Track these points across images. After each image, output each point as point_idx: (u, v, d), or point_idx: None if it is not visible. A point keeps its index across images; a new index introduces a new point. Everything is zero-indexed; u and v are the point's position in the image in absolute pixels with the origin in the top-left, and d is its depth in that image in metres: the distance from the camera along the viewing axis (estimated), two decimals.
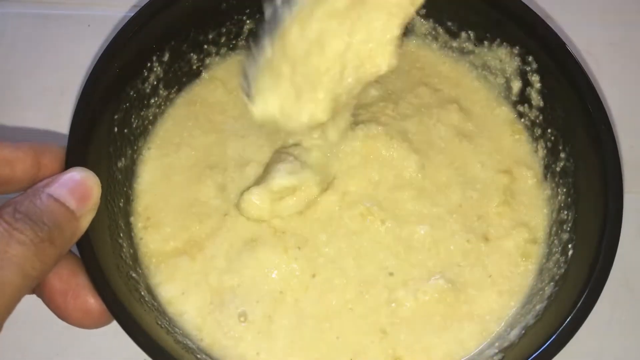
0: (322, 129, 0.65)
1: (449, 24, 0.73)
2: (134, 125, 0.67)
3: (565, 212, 0.64)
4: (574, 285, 0.57)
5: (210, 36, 0.72)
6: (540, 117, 0.69)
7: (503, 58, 0.70)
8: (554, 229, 0.65)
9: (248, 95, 0.61)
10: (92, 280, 0.53)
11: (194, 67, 0.72)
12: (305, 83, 0.58)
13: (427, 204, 0.66)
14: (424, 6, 0.72)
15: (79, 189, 0.51)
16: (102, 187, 0.57)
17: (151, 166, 0.68)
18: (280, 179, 0.64)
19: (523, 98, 0.70)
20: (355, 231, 0.65)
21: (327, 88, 0.58)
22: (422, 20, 0.74)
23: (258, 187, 0.64)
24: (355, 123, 0.68)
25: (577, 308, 0.55)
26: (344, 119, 0.66)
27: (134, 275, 0.61)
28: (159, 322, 0.58)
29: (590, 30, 0.84)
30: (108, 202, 0.61)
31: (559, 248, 0.63)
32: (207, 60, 0.73)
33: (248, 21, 0.73)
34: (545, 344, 0.54)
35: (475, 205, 0.67)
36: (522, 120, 0.71)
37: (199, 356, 0.58)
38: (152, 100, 0.69)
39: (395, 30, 0.56)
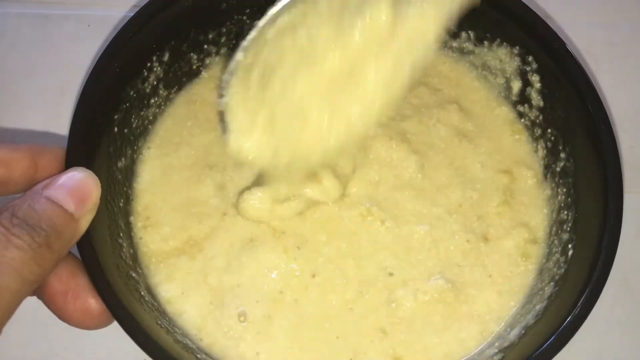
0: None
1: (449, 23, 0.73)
2: (134, 125, 0.67)
3: (565, 212, 0.64)
4: (574, 285, 0.57)
5: (210, 36, 0.72)
6: (540, 117, 0.69)
7: (503, 58, 0.70)
8: (554, 229, 0.65)
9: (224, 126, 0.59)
10: (92, 281, 0.53)
11: (194, 67, 0.72)
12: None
13: (427, 204, 0.66)
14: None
15: (78, 190, 0.51)
16: (102, 187, 0.57)
17: (151, 165, 0.68)
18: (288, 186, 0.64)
19: (523, 98, 0.70)
20: (355, 231, 0.65)
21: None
22: None
23: (260, 189, 0.64)
24: None
25: (577, 308, 0.55)
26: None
27: (134, 275, 0.61)
28: (159, 322, 0.58)
29: (590, 30, 0.84)
30: (108, 202, 0.61)
31: (559, 248, 0.63)
32: (207, 60, 0.73)
33: (248, 21, 0.73)
34: (545, 344, 0.54)
35: (475, 205, 0.67)
36: (522, 120, 0.71)
37: (198, 356, 0.58)
38: (152, 100, 0.69)
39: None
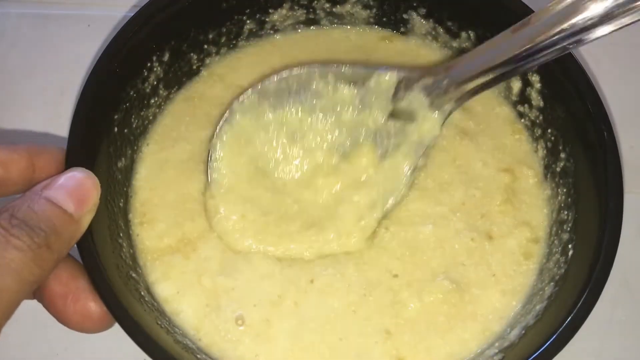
0: None
1: (449, 24, 0.73)
2: (134, 125, 0.67)
3: (565, 212, 0.64)
4: (574, 285, 0.57)
5: (210, 36, 0.72)
6: (540, 117, 0.69)
7: None
8: (554, 229, 0.65)
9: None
10: (92, 281, 0.53)
11: (194, 67, 0.72)
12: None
13: (431, 203, 0.66)
14: (424, 6, 0.72)
15: (77, 190, 0.51)
16: (102, 187, 0.57)
17: (149, 161, 0.68)
18: None
19: (523, 98, 0.70)
20: None
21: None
22: (422, 20, 0.74)
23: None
24: None
25: (577, 308, 0.55)
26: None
27: (134, 275, 0.61)
28: (159, 322, 0.58)
29: None
30: (108, 202, 0.61)
31: (559, 248, 0.63)
32: (207, 60, 0.73)
33: (248, 21, 0.73)
34: (545, 344, 0.54)
35: (478, 203, 0.67)
36: (522, 120, 0.71)
37: (198, 356, 0.58)
38: (152, 100, 0.69)
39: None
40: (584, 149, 0.63)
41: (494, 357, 0.59)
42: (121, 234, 0.62)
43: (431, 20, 0.73)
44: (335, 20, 0.76)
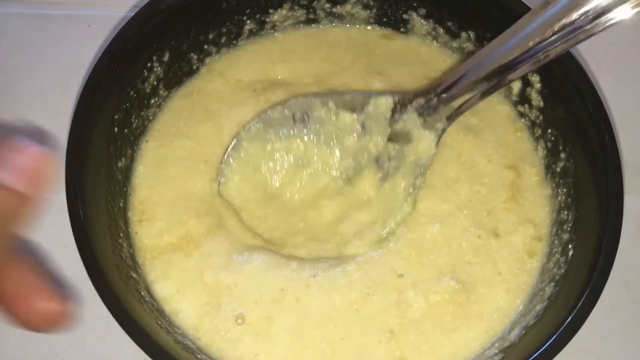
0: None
1: (449, 24, 0.73)
2: (134, 125, 0.67)
3: (566, 212, 0.64)
4: (574, 285, 0.57)
5: (210, 36, 0.72)
6: (541, 117, 0.69)
7: None
8: (555, 229, 0.65)
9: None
10: (92, 281, 0.53)
11: (194, 66, 0.72)
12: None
13: (438, 201, 0.66)
14: (424, 6, 0.73)
15: (28, 168, 0.47)
16: (102, 187, 0.57)
17: (147, 158, 0.68)
18: None
19: (523, 98, 0.70)
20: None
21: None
22: (422, 20, 0.74)
23: None
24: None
25: (577, 308, 0.55)
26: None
27: (134, 275, 0.61)
28: (159, 322, 0.58)
29: None
30: (108, 202, 0.61)
31: (559, 248, 0.63)
32: (207, 60, 0.73)
33: (248, 21, 0.73)
34: (545, 344, 0.54)
35: (483, 200, 0.66)
36: (523, 120, 0.71)
37: (198, 356, 0.58)
38: (152, 101, 0.69)
39: None
40: (584, 149, 0.63)
41: (494, 357, 0.59)
42: (121, 234, 0.62)
43: (431, 20, 0.73)
44: (335, 20, 0.76)
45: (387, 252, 0.64)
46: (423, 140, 0.65)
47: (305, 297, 0.61)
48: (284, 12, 0.74)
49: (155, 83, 0.68)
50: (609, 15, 0.48)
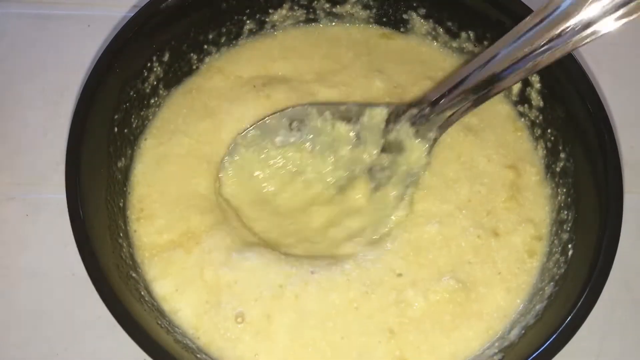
0: None
1: (449, 24, 0.73)
2: (134, 125, 0.67)
3: (565, 212, 0.64)
4: (574, 285, 0.57)
5: (210, 36, 0.72)
6: (540, 117, 0.69)
7: None
8: (555, 228, 0.65)
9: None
10: (92, 281, 0.53)
11: (194, 66, 0.72)
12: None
13: (437, 202, 0.66)
14: (423, 6, 0.73)
15: None
16: (102, 187, 0.57)
17: (146, 156, 0.68)
18: None
19: (523, 98, 0.70)
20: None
21: None
22: (422, 20, 0.74)
23: None
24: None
25: (577, 308, 0.55)
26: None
27: (134, 275, 0.60)
28: (159, 322, 0.58)
29: None
30: (108, 202, 0.61)
31: (559, 248, 0.63)
32: (207, 59, 0.73)
33: (248, 21, 0.73)
34: (545, 344, 0.54)
35: (483, 200, 0.66)
36: (523, 120, 0.71)
37: (198, 356, 0.58)
38: (152, 101, 0.69)
39: None
40: (584, 149, 0.63)
41: (494, 356, 0.59)
42: (121, 234, 0.62)
43: (431, 20, 0.73)
44: (335, 20, 0.76)
45: (384, 252, 0.64)
46: (415, 150, 0.66)
47: (304, 294, 0.61)
48: (284, 12, 0.74)
49: (155, 83, 0.68)
50: (595, 28, 0.48)
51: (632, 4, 0.45)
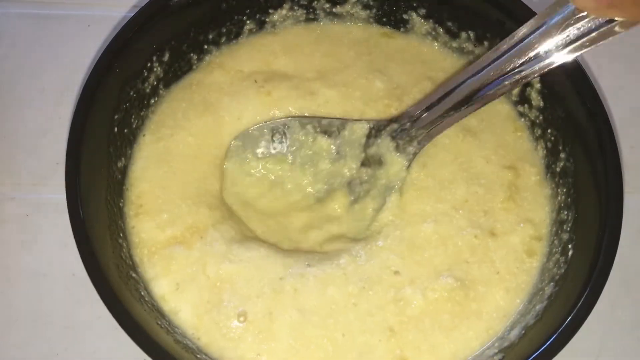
0: None
1: (449, 24, 0.73)
2: (134, 125, 0.67)
3: (565, 212, 0.64)
4: (574, 285, 0.57)
5: (210, 36, 0.72)
6: (540, 117, 0.69)
7: None
8: (554, 229, 0.65)
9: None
10: (92, 281, 0.53)
11: (194, 66, 0.72)
12: None
13: (431, 202, 0.66)
14: (423, 6, 0.73)
15: None
16: (102, 187, 0.57)
17: (145, 152, 0.67)
18: None
19: (523, 98, 0.70)
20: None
21: None
22: (422, 20, 0.74)
23: None
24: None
25: (577, 308, 0.55)
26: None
27: (134, 275, 0.60)
28: (159, 322, 0.58)
29: None
30: (108, 202, 0.61)
31: (559, 248, 0.63)
32: (207, 58, 0.73)
33: (248, 21, 0.73)
34: (545, 344, 0.54)
35: (481, 200, 0.66)
36: (523, 120, 0.71)
37: (199, 356, 0.58)
38: (152, 101, 0.69)
39: None
40: (584, 149, 0.63)
41: (494, 357, 0.59)
42: (121, 234, 0.62)
43: (431, 20, 0.73)
44: (335, 20, 0.76)
45: (378, 248, 0.64)
46: (395, 164, 0.67)
47: (304, 288, 0.61)
48: (284, 12, 0.74)
49: (155, 83, 0.68)
50: (552, 59, 0.54)
51: (578, 42, 0.51)
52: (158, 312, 0.60)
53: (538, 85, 0.68)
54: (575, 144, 0.64)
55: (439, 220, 0.65)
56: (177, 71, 0.71)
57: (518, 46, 0.55)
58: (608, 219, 0.58)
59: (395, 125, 0.67)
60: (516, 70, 0.56)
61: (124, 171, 0.66)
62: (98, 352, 0.67)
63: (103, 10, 0.82)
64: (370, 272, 0.63)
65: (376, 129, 0.68)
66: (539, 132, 0.69)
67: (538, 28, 0.54)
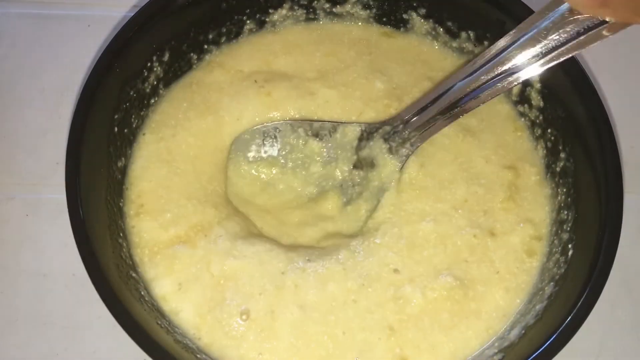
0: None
1: (449, 24, 0.73)
2: (134, 125, 0.67)
3: (565, 212, 0.64)
4: (574, 285, 0.57)
5: (210, 36, 0.72)
6: (540, 117, 0.69)
7: None
8: (554, 228, 0.65)
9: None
10: (92, 280, 0.53)
11: (194, 66, 0.72)
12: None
13: (430, 201, 0.66)
14: (423, 6, 0.73)
15: None
16: (102, 187, 0.57)
17: (145, 151, 0.67)
18: None
19: (523, 98, 0.70)
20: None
21: None
22: (422, 20, 0.74)
23: None
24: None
25: (577, 308, 0.55)
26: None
27: (134, 275, 0.60)
28: (159, 322, 0.58)
29: None
30: (108, 202, 0.61)
31: (559, 248, 0.63)
32: (207, 57, 0.73)
33: (248, 21, 0.73)
34: (545, 344, 0.54)
35: (480, 200, 0.66)
36: (523, 119, 0.71)
37: (199, 356, 0.58)
38: (152, 100, 0.69)
39: None
40: (584, 149, 0.63)
41: (494, 356, 0.59)
42: (121, 234, 0.62)
43: (431, 20, 0.73)
44: (335, 20, 0.76)
45: (376, 245, 0.64)
46: (387, 166, 0.67)
47: (304, 283, 0.61)
48: (284, 11, 0.74)
49: (155, 83, 0.68)
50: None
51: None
52: (158, 311, 0.60)
53: (538, 85, 0.68)
54: (575, 144, 0.65)
55: (438, 219, 0.65)
56: (177, 71, 0.71)
57: (510, 48, 0.57)
58: (608, 219, 0.58)
59: (387, 128, 0.67)
60: (506, 73, 0.57)
61: (124, 171, 0.66)
62: (98, 352, 0.67)
63: (103, 10, 0.82)
64: (369, 269, 0.62)
65: (368, 132, 0.68)
66: (539, 132, 0.69)
67: (527, 32, 0.55)
